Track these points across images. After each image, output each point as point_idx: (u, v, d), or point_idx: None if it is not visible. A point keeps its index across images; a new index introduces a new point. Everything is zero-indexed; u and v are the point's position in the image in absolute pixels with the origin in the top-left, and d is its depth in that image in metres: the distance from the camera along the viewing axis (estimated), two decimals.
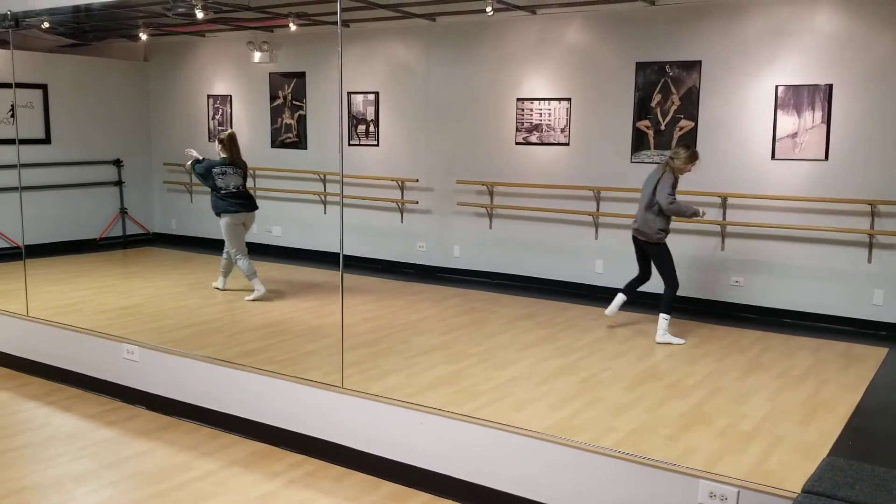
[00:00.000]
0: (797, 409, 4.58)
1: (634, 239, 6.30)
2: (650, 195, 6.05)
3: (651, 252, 6.19)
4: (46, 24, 8.71)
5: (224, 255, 7.61)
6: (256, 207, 7.53)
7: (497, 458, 4.16)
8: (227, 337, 6.01)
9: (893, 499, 3.17)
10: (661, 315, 6.10)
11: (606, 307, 6.57)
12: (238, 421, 5.16)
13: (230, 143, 7.34)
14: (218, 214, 7.36)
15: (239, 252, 7.37)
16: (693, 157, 6.03)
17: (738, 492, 3.50)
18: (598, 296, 7.67)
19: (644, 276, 6.42)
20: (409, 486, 4.41)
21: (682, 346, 5.97)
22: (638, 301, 7.28)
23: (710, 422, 4.34)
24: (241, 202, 7.34)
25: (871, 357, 5.79)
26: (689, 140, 7.20)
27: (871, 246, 6.60)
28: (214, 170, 7.27)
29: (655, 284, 6.71)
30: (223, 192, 7.27)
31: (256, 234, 10.32)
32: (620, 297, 6.48)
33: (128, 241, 11.03)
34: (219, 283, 7.77)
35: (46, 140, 10.20)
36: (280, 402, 4.97)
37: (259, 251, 10.06)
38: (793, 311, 6.95)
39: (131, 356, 5.73)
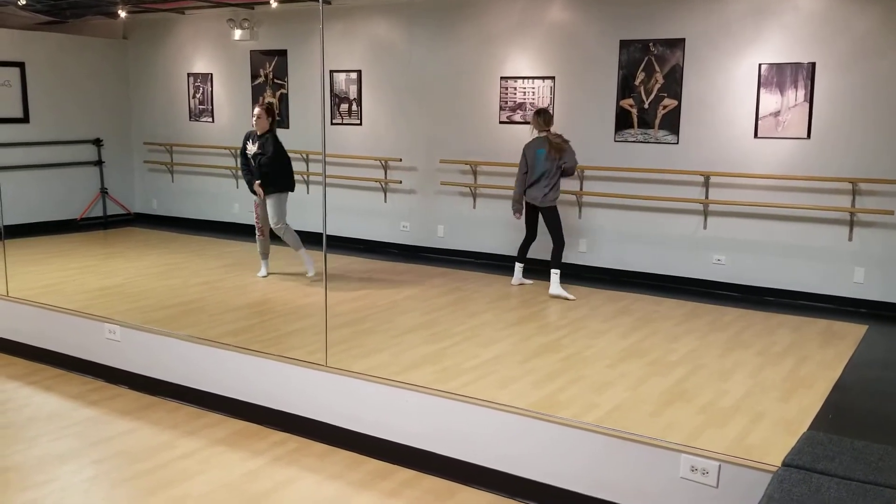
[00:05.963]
0: (778, 386, 4.63)
1: (534, 208, 7.00)
2: (553, 166, 6.77)
3: (547, 214, 6.92)
4: (23, 1, 8.59)
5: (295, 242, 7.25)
6: None
7: (480, 435, 4.18)
8: (209, 317, 5.98)
9: (871, 471, 3.21)
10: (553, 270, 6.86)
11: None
12: (221, 400, 5.15)
13: None
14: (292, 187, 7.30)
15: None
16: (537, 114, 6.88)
17: (720, 465, 3.54)
18: (581, 275, 7.70)
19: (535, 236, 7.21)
20: (393, 462, 4.43)
21: (666, 322, 6.01)
22: (623, 280, 7.32)
23: (691, 398, 4.38)
24: None
25: (851, 334, 5.85)
26: (673, 118, 7.22)
27: (851, 224, 6.64)
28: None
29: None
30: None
31: (238, 213, 10.27)
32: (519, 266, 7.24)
33: (109, 222, 10.94)
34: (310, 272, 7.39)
35: (25, 119, 10.07)
36: (264, 381, 4.97)
37: (240, 231, 10.02)
38: (774, 289, 7.01)
39: (113, 336, 5.69)
